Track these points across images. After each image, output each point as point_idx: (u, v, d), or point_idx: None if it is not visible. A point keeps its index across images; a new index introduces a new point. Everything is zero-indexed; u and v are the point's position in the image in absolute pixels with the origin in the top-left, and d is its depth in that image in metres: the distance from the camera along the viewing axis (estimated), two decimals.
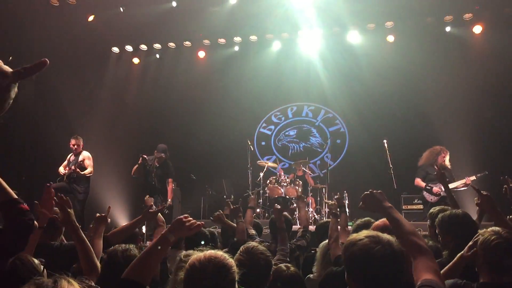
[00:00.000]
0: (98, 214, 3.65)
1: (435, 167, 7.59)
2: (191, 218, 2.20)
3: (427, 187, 7.80)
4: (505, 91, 9.74)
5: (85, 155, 8.39)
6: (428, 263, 1.95)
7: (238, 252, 2.66)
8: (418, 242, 2.01)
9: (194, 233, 2.24)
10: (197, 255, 1.98)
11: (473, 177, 7.56)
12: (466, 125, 9.83)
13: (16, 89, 0.92)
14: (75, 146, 8.34)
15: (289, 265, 3.03)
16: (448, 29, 10.37)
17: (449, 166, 7.85)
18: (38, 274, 1.99)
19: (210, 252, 1.99)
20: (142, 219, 3.82)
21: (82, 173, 8.18)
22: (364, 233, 1.90)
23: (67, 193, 8.09)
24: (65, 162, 8.47)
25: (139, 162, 8.45)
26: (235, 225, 4.67)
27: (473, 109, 10.04)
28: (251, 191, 9.83)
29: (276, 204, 4.44)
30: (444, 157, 7.84)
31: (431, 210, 3.95)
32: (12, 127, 9.76)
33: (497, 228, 2.58)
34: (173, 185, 8.85)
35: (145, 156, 8.56)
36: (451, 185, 7.21)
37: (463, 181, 7.57)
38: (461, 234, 3.00)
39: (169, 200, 8.59)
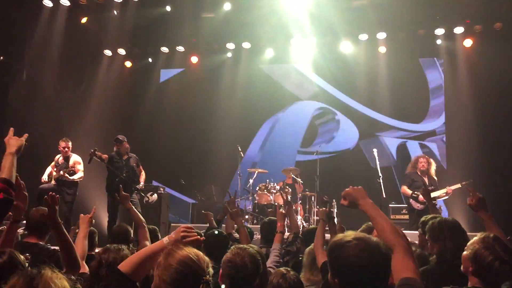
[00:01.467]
0: (82, 215, 3.67)
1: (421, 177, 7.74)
2: (192, 231, 2.18)
3: (413, 195, 7.80)
4: (495, 104, 9.84)
5: (75, 159, 8.33)
6: (408, 261, 1.95)
7: (229, 252, 2.66)
8: (399, 239, 2.01)
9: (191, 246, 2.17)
10: (178, 252, 1.98)
11: (458, 185, 7.58)
12: (457, 136, 9.94)
13: None
14: (65, 149, 8.28)
15: (288, 269, 3.02)
16: (439, 42, 10.48)
17: (433, 176, 7.98)
18: (24, 269, 2.03)
19: (190, 250, 2.00)
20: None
21: (72, 178, 8.13)
22: (351, 235, 1.86)
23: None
24: (53, 163, 8.40)
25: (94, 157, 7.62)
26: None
27: (463, 120, 10.14)
28: (230, 194, 9.83)
29: (281, 210, 4.40)
30: (423, 164, 7.97)
31: (423, 218, 3.97)
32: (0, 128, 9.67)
33: (488, 236, 2.60)
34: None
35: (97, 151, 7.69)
36: (433, 194, 7.35)
37: (444, 190, 7.63)
38: (450, 240, 3.03)
39: (142, 183, 8.26)
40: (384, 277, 1.81)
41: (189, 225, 2.24)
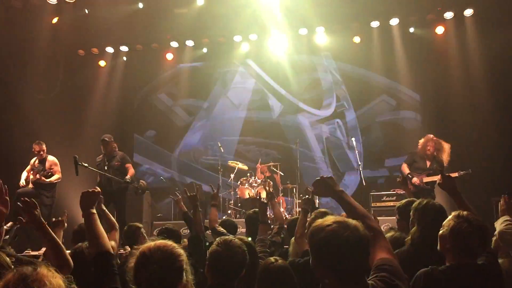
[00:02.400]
0: (54, 219, 3.66)
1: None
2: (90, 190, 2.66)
3: (408, 175, 7.59)
4: (468, 90, 10.00)
5: (51, 161, 8.21)
6: (382, 242, 2.06)
7: (215, 243, 2.66)
8: (371, 223, 2.11)
9: (95, 198, 2.64)
10: (148, 243, 2.10)
11: (455, 174, 7.23)
12: (431, 123, 10.08)
13: None
14: (40, 152, 8.15)
15: (277, 257, 3.03)
16: (412, 30, 10.60)
17: (444, 159, 7.61)
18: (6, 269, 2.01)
19: (161, 241, 2.11)
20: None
21: (49, 180, 8.02)
22: (330, 219, 1.89)
23: (33, 198, 7.91)
24: (29, 167, 8.26)
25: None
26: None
27: (436, 107, 10.29)
28: (213, 188, 9.80)
29: (263, 198, 4.41)
30: (429, 148, 7.68)
31: (398, 204, 4.03)
32: None
33: (461, 213, 2.67)
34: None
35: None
36: (426, 179, 7.39)
37: (438, 176, 7.58)
38: (430, 225, 3.07)
39: (128, 176, 7.92)
40: (364, 259, 1.85)
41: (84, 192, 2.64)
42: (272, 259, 2.96)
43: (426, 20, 10.42)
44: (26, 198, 2.94)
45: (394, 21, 10.43)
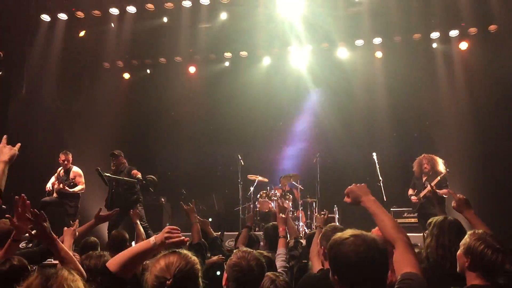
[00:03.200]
0: (66, 228, 3.69)
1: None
2: (178, 232, 2.20)
3: (410, 197, 8.27)
4: (491, 106, 9.88)
5: (75, 172, 8.37)
6: (409, 255, 2.02)
7: (235, 255, 2.66)
8: (400, 234, 2.08)
9: (175, 247, 2.19)
10: (164, 253, 2.06)
11: (437, 179, 7.73)
12: (454, 138, 9.96)
13: None
14: (65, 162, 8.32)
15: (277, 274, 3.02)
16: (434, 45, 10.55)
17: (441, 172, 7.86)
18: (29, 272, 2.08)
19: (174, 250, 2.08)
20: (93, 223, 4.20)
21: (72, 190, 8.17)
22: (348, 232, 1.91)
23: (57, 207, 8.07)
24: (53, 178, 8.44)
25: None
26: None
27: (459, 123, 10.17)
28: (241, 207, 9.85)
29: (281, 214, 4.39)
30: (425, 166, 8.02)
31: (430, 220, 3.98)
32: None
33: (477, 232, 2.65)
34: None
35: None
36: (423, 193, 7.83)
37: (428, 188, 7.68)
38: (448, 240, 3.05)
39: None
40: (382, 272, 1.85)
41: (175, 227, 2.24)
42: (271, 275, 2.87)
43: (450, 36, 10.35)
44: (36, 210, 2.77)
45: (417, 37, 10.39)
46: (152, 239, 2.17)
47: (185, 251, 2.09)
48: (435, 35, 10.37)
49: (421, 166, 8.09)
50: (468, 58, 10.33)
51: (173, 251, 2.05)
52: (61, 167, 8.41)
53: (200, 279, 2.03)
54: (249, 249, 2.73)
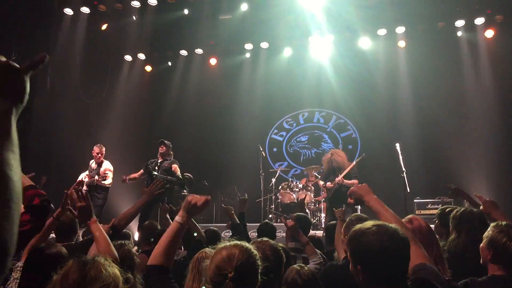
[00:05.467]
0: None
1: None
2: (197, 196, 2.34)
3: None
4: None
5: (107, 166, 8.48)
6: (417, 249, 2.05)
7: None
8: (404, 230, 2.05)
9: (204, 208, 2.34)
10: (224, 244, 2.02)
11: (353, 163, 8.22)
12: (479, 129, 9.79)
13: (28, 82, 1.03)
14: (99, 155, 8.43)
15: (302, 265, 3.01)
16: (459, 34, 10.34)
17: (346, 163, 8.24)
18: (66, 259, 2.11)
19: (236, 242, 2.04)
20: (144, 199, 3.81)
21: (103, 182, 8.30)
22: (370, 223, 1.90)
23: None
24: (87, 171, 8.56)
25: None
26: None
27: (484, 112, 9.99)
28: (263, 198, 9.86)
29: (289, 221, 4.32)
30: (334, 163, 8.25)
31: (439, 211, 3.95)
32: (27, 132, 9.89)
33: (500, 224, 2.63)
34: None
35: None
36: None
37: (338, 179, 8.02)
38: (466, 233, 3.03)
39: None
40: (405, 262, 1.84)
41: (190, 196, 2.34)
42: (297, 266, 2.90)
43: (475, 24, 10.14)
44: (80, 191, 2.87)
45: (441, 25, 10.20)
46: (178, 218, 2.27)
47: (247, 245, 2.04)
48: (460, 23, 10.18)
49: (330, 163, 8.30)
50: (494, 47, 10.12)
51: (235, 244, 1.99)
52: (93, 160, 8.52)
53: (259, 275, 1.98)
54: (265, 239, 2.71)
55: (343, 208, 4.55)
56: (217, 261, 1.94)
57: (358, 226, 1.93)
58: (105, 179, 8.34)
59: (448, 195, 3.70)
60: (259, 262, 1.99)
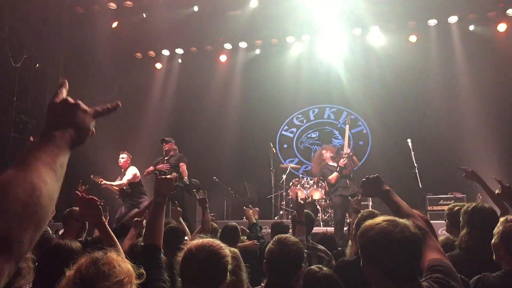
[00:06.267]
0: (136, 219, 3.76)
1: None
2: (167, 176, 2.67)
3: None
4: None
5: (132, 171, 8.40)
6: (431, 243, 2.02)
7: (271, 242, 2.67)
8: (418, 224, 2.04)
9: (174, 185, 2.62)
10: (195, 241, 2.16)
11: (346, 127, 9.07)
12: (490, 124, 9.68)
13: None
14: (128, 161, 8.43)
15: (321, 266, 2.99)
16: (471, 28, 10.22)
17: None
18: (79, 254, 2.16)
19: (208, 240, 2.17)
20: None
21: (110, 183, 8.17)
22: (380, 218, 1.87)
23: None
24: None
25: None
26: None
27: (497, 107, 9.88)
28: (274, 194, 9.83)
29: (300, 200, 4.39)
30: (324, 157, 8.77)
31: (447, 211, 3.85)
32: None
33: (510, 218, 2.58)
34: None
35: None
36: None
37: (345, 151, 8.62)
38: (477, 228, 3.00)
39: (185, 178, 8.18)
40: (416, 257, 1.81)
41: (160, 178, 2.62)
42: (316, 268, 2.88)
43: (487, 18, 10.01)
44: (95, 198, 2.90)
45: (453, 19, 10.09)
46: (158, 199, 2.51)
47: (217, 241, 2.19)
48: (472, 17, 10.05)
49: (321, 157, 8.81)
50: (507, 40, 9.98)
51: (201, 238, 2.20)
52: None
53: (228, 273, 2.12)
54: (284, 235, 2.72)
55: (359, 198, 4.53)
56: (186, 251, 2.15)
57: (369, 221, 1.90)
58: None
59: (463, 177, 3.66)
60: (227, 260, 2.12)
